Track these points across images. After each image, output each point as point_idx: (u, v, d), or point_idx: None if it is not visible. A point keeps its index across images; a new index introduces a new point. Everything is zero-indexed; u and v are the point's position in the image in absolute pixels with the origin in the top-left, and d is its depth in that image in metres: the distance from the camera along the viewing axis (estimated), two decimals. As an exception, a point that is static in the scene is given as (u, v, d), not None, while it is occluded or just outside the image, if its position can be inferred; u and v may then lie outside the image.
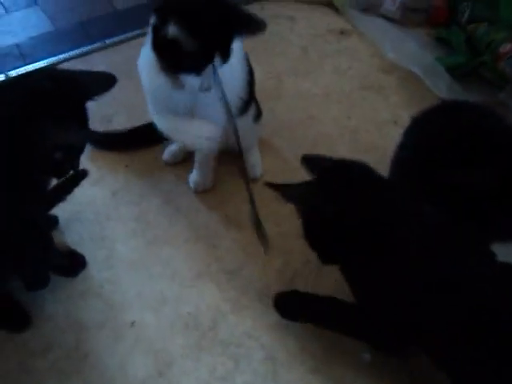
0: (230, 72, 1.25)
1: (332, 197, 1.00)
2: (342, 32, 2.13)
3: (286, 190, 1.06)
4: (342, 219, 0.99)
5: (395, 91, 1.86)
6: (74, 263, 1.36)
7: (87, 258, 1.37)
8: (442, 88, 1.79)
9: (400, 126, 1.68)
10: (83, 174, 1.33)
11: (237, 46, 1.24)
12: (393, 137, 1.63)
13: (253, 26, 1.16)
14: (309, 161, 1.11)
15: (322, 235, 1.05)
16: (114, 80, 1.16)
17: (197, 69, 1.16)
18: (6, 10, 2.38)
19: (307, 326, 1.20)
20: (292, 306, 1.21)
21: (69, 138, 1.05)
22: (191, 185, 1.51)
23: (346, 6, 2.20)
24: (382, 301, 1.04)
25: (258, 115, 1.51)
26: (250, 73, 1.37)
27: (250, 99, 1.41)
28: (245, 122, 1.43)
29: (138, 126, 1.63)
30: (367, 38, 2.08)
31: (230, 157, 1.55)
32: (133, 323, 1.25)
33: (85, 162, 1.47)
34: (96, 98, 1.12)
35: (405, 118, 1.70)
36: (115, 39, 2.13)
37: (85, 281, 1.34)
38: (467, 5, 2.04)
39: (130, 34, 2.14)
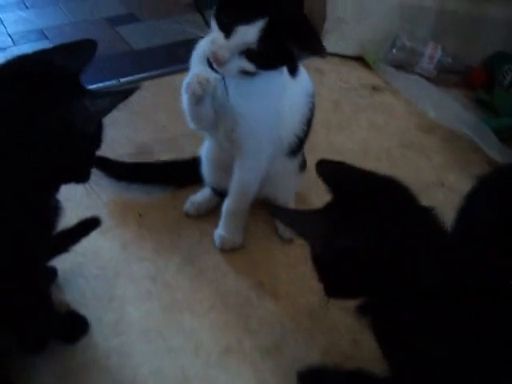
0: (293, 103, 1.13)
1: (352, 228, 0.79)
2: (374, 88, 1.99)
3: (291, 218, 0.86)
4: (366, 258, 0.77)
5: (438, 151, 1.69)
6: (73, 327, 1.12)
7: (91, 321, 1.13)
8: (493, 149, 1.65)
9: (448, 188, 1.53)
10: (95, 222, 1.13)
11: (306, 78, 1.14)
12: (441, 200, 1.49)
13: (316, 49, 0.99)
14: (326, 169, 0.90)
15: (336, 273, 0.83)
16: (95, 45, 0.95)
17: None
18: (14, 43, 2.23)
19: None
20: None
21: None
22: (217, 241, 1.31)
23: (378, 61, 2.07)
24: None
25: (304, 165, 1.34)
26: (312, 112, 1.21)
27: (303, 140, 1.24)
28: (291, 167, 1.28)
29: (163, 162, 1.48)
30: (402, 95, 1.94)
31: (264, 212, 1.37)
32: (146, 408, 1.01)
33: (88, 209, 1.28)
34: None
35: (452, 180, 1.56)
36: (130, 78, 1.98)
37: (87, 350, 1.09)
38: (510, 68, 1.94)
39: (145, 75, 2.00)
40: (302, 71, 1.19)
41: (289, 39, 0.97)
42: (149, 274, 1.25)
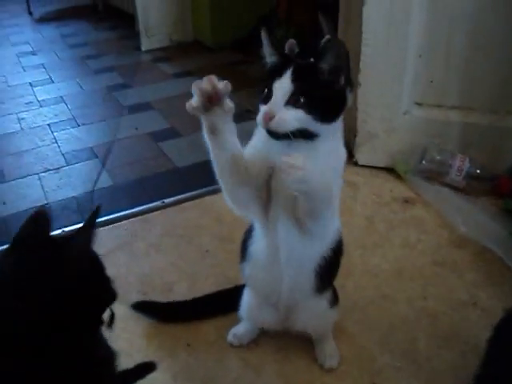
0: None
1: None
2: (407, 201, 2.08)
3: None
4: None
5: (470, 268, 1.75)
6: None
7: None
8: (522, 267, 1.70)
9: (480, 307, 1.58)
10: (151, 367, 1.22)
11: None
12: (474, 321, 1.54)
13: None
14: None
15: None
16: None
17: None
18: (67, 163, 2.41)
19: None
20: None
21: None
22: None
23: (408, 173, 2.18)
24: None
25: (335, 300, 1.37)
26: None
27: (333, 269, 1.29)
28: (319, 307, 1.32)
29: (205, 295, 1.56)
30: (433, 208, 2.03)
31: (303, 341, 1.44)
32: None
33: (141, 339, 1.36)
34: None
35: (484, 299, 1.61)
36: (174, 199, 2.10)
37: None
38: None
39: (189, 194, 2.12)
40: None
41: (315, 58, 1.04)
42: (198, 408, 1.32)
